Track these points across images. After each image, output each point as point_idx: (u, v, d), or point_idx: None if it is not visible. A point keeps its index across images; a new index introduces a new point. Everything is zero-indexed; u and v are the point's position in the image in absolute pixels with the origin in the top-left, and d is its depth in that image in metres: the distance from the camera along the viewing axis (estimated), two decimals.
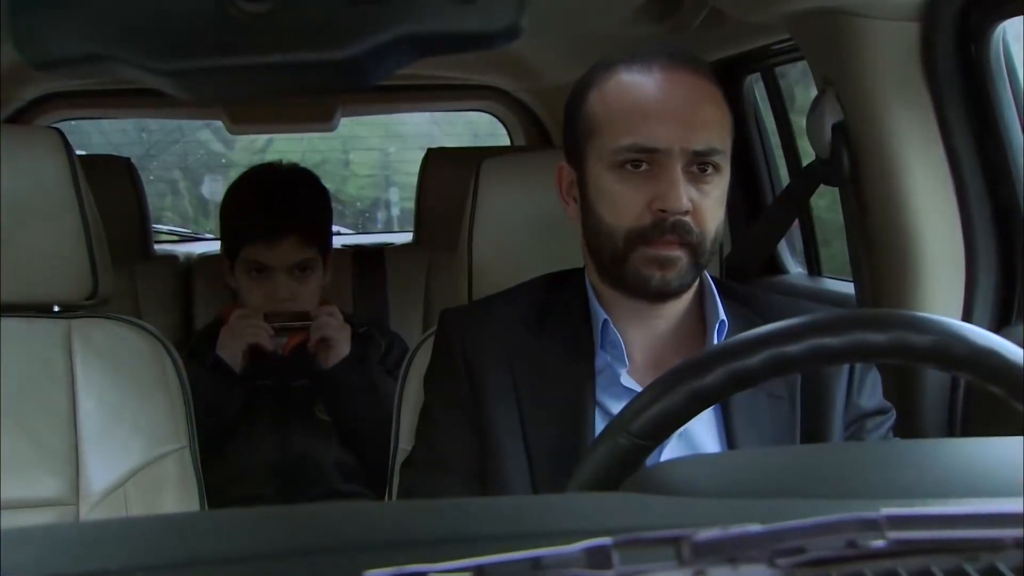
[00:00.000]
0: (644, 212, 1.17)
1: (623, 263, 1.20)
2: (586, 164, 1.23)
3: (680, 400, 0.76)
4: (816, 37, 1.65)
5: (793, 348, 0.76)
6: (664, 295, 1.21)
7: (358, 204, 5.14)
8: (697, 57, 1.24)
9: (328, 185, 2.28)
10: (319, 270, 2.09)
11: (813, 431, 1.21)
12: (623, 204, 1.18)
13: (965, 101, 1.53)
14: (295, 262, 2.04)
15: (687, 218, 1.16)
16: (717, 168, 1.18)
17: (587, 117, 1.22)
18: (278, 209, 2.04)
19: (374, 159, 5.17)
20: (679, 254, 1.17)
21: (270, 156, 3.94)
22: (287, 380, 2.03)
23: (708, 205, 1.18)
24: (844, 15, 1.53)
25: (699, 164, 1.17)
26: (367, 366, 2.03)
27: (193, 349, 2.06)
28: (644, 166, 1.17)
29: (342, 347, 2.01)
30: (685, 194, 1.15)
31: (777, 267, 2.43)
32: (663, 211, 1.16)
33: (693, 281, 1.22)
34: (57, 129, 1.49)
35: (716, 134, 1.18)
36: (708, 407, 0.77)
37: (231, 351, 1.98)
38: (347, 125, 4.48)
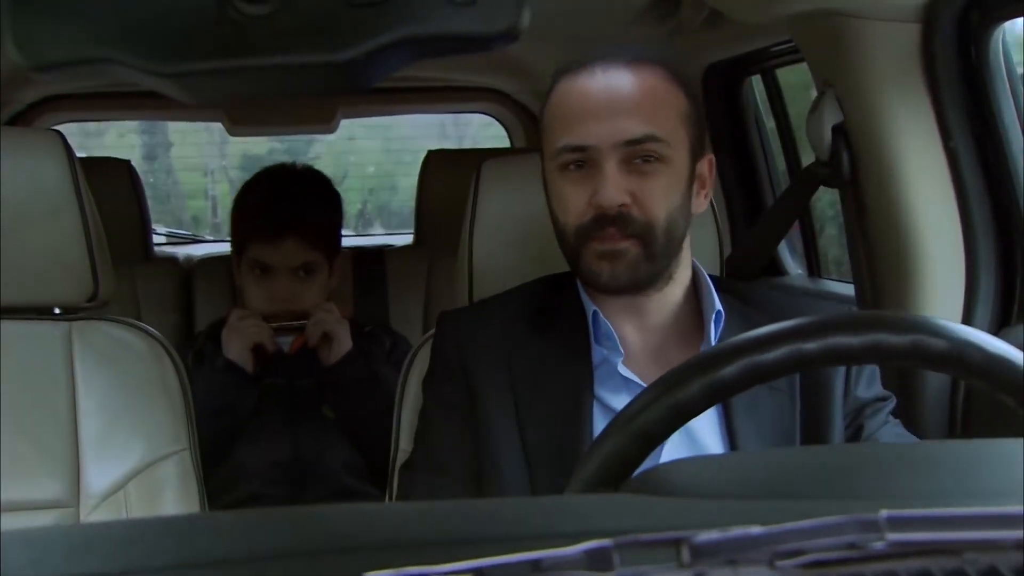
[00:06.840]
0: (587, 209, 1.21)
1: (577, 260, 1.24)
2: (544, 167, 1.28)
3: (695, 392, 0.75)
4: (816, 39, 1.65)
5: (811, 346, 0.75)
6: (617, 289, 1.22)
7: None
8: (646, 51, 1.25)
9: None
10: (323, 272, 2.08)
11: (813, 423, 1.22)
12: (569, 203, 1.22)
13: (965, 102, 1.53)
14: (298, 263, 2.03)
15: (628, 210, 1.18)
16: (661, 158, 1.20)
17: (543, 123, 1.29)
18: (283, 210, 2.03)
19: None
20: (626, 246, 1.19)
21: None
22: (294, 379, 2.03)
23: (652, 194, 1.19)
24: (844, 17, 1.53)
25: (639, 155, 1.19)
26: (370, 360, 2.02)
27: (200, 352, 2.05)
28: (584, 164, 1.21)
29: (343, 341, 2.00)
30: (619, 187, 1.18)
31: (778, 268, 2.43)
32: (600, 207, 1.18)
33: (650, 272, 1.22)
34: (57, 131, 1.48)
35: (653, 122, 1.19)
36: (723, 399, 0.77)
37: (238, 351, 1.97)
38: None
